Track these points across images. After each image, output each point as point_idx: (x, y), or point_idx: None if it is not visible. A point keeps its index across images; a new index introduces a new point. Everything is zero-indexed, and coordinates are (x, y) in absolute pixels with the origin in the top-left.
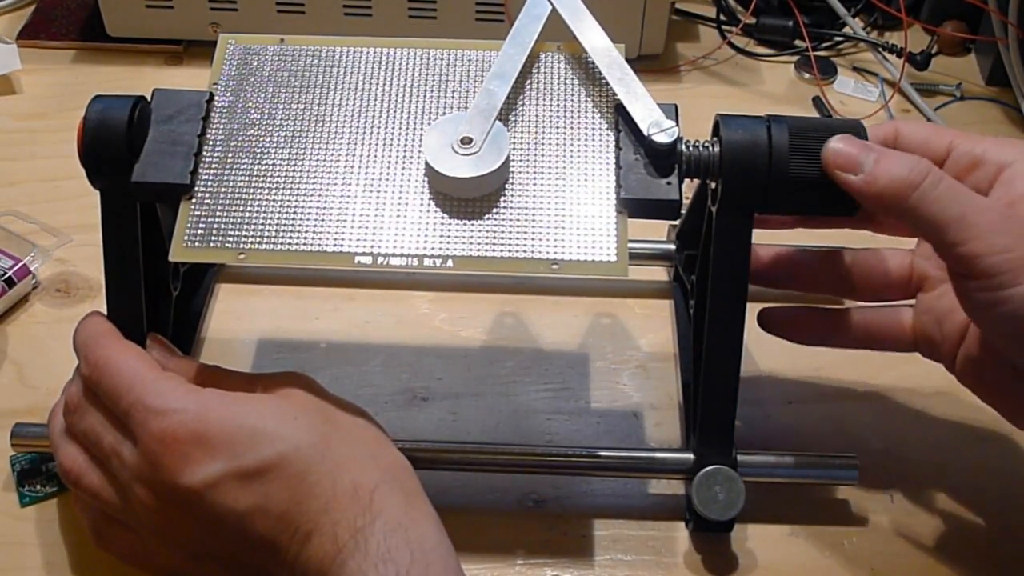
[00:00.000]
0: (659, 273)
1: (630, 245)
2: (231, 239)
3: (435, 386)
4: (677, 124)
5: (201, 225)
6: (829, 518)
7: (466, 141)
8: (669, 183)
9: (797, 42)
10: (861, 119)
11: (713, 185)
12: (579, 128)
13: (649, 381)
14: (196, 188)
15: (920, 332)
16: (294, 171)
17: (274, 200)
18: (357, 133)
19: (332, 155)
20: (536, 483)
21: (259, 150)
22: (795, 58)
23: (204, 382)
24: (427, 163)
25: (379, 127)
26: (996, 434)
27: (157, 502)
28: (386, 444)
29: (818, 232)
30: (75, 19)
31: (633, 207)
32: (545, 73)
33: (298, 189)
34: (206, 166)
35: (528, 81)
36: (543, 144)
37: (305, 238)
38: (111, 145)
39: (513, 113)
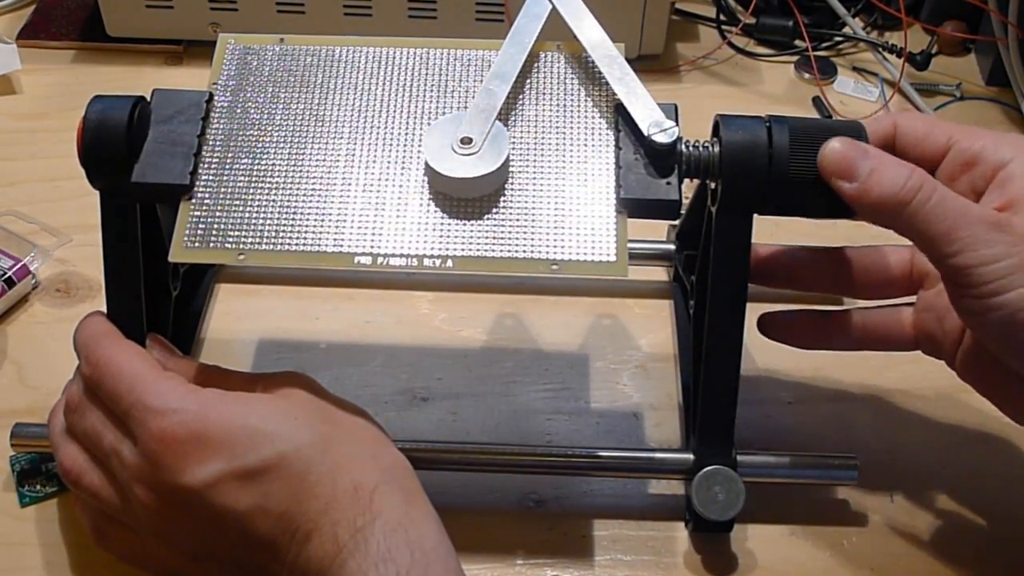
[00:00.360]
0: (659, 273)
1: (630, 245)
2: (231, 240)
3: (435, 386)
4: (677, 124)
5: (201, 226)
6: (829, 518)
7: (466, 141)
8: (669, 183)
9: (797, 42)
10: (861, 119)
11: (713, 185)
12: (579, 128)
13: (649, 381)
14: (196, 188)
15: (921, 329)
16: (293, 171)
17: (273, 200)
18: (357, 133)
19: (331, 155)
20: (536, 483)
21: (258, 150)
22: (795, 58)
23: (204, 382)
24: (427, 163)
25: (379, 127)
26: (996, 434)
27: (157, 502)
28: (386, 444)
29: (819, 233)
30: (75, 19)
31: (633, 207)
32: (545, 73)
33: (297, 189)
34: (205, 166)
35: (528, 81)
36: (543, 144)
37: (305, 238)
38: (111, 145)
39: (513, 113)
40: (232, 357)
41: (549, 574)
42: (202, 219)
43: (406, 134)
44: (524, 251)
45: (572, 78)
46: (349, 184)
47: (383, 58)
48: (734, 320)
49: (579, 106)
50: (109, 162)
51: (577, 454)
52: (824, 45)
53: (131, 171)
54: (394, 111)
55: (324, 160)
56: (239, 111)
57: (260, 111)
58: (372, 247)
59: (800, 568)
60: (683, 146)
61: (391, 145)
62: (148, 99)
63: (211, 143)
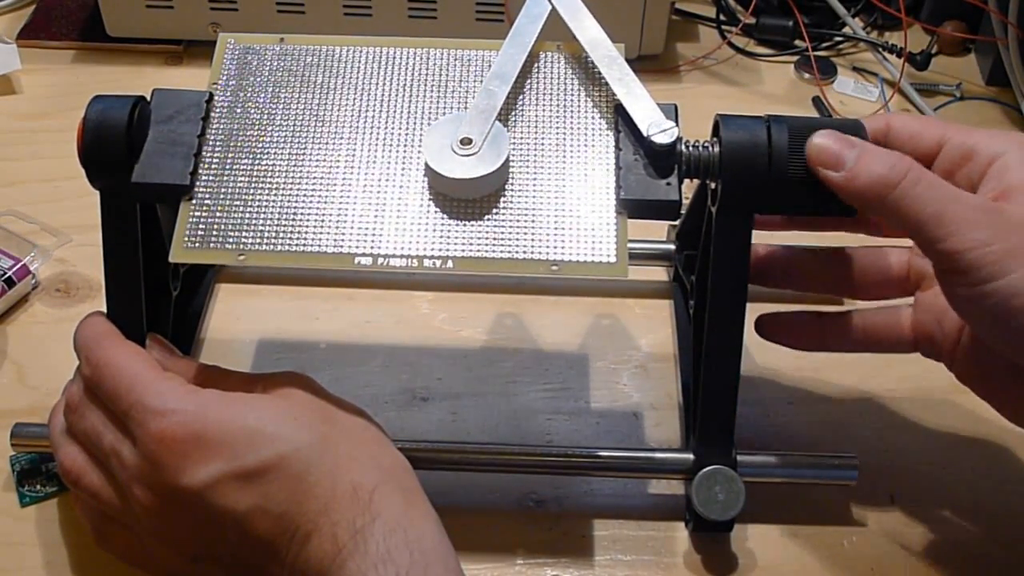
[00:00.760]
0: (659, 273)
1: (630, 245)
2: (231, 240)
3: (435, 386)
4: (677, 124)
5: (201, 226)
6: (829, 518)
7: (466, 142)
8: (669, 184)
9: (797, 42)
10: (861, 119)
11: (713, 185)
12: (579, 128)
13: (649, 381)
14: (196, 189)
15: (920, 331)
16: (294, 171)
17: (274, 201)
18: (357, 133)
19: (332, 155)
20: (536, 483)
21: (259, 150)
22: (795, 58)
23: (204, 382)
24: (427, 164)
25: (379, 127)
26: (996, 434)
27: (156, 502)
28: (386, 444)
29: (816, 233)
30: (75, 19)
31: (633, 208)
32: (545, 73)
33: (298, 189)
34: (206, 166)
35: (528, 81)
36: (543, 144)
37: (305, 239)
38: (111, 145)
39: (513, 113)
40: (232, 357)
41: (549, 574)
42: (202, 219)
43: (406, 134)
44: (524, 252)
45: (572, 78)
46: (349, 185)
47: (383, 58)
48: (734, 320)
49: (579, 107)
50: (109, 162)
51: (577, 454)
52: (824, 45)
53: (131, 171)
54: (394, 111)
55: (324, 160)
56: (239, 111)
57: (260, 111)
58: (372, 248)
59: (800, 568)
60: (683, 146)
61: (391, 146)
62: (148, 99)
63: (211, 143)
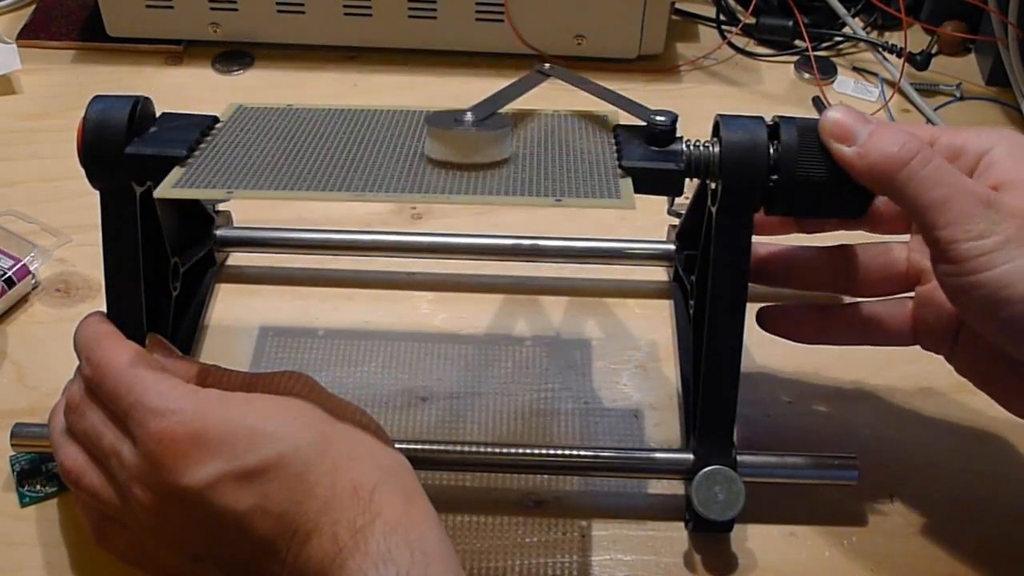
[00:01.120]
0: (659, 273)
1: (630, 245)
2: (220, 181)
3: (435, 386)
4: (675, 126)
5: (192, 172)
6: (829, 518)
7: (467, 116)
8: (670, 158)
9: (797, 42)
10: None
11: (713, 185)
12: (578, 125)
13: (649, 381)
14: (190, 160)
15: (920, 324)
16: (290, 153)
17: (266, 161)
18: (357, 134)
19: (330, 150)
20: (536, 483)
21: (257, 146)
22: (795, 58)
23: (204, 382)
24: (428, 129)
25: (381, 130)
26: (996, 434)
27: (156, 502)
28: (385, 444)
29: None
30: (75, 19)
31: (635, 176)
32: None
33: (293, 160)
34: (202, 149)
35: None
36: (543, 139)
37: (295, 183)
38: (111, 145)
39: (513, 114)
40: (232, 357)
41: (549, 574)
42: (193, 169)
43: (406, 133)
44: (526, 190)
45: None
46: (346, 158)
47: (394, 113)
48: (734, 320)
49: (577, 118)
50: (109, 162)
51: (577, 454)
52: (824, 45)
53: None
54: (398, 125)
55: (321, 152)
56: (242, 130)
57: (263, 128)
58: (366, 187)
59: (800, 568)
60: (683, 146)
61: (391, 138)
62: (148, 99)
63: (210, 142)
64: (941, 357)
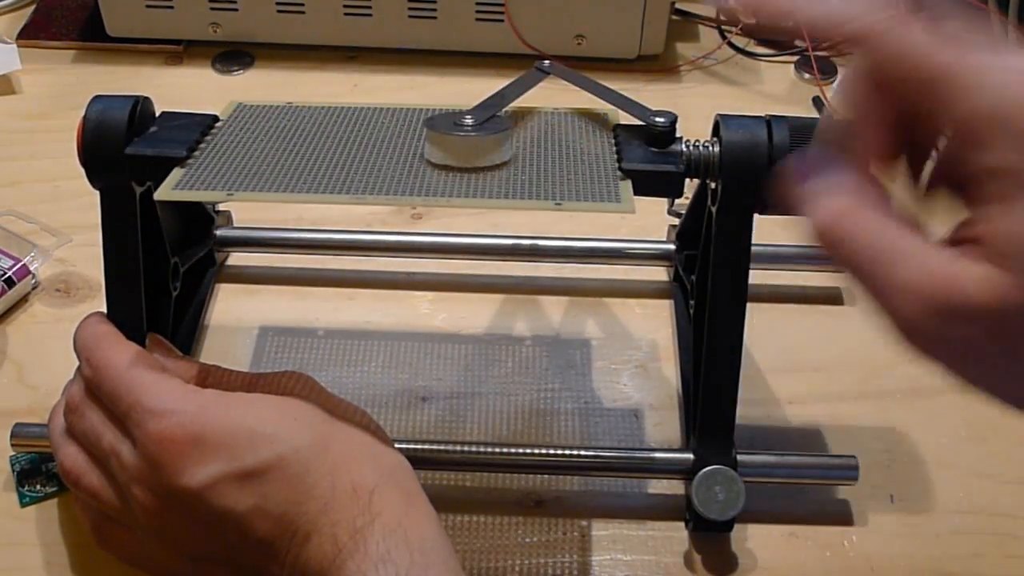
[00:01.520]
0: (659, 273)
1: (630, 245)
2: (221, 184)
3: (435, 386)
4: (674, 128)
5: (192, 174)
6: (829, 518)
7: (467, 119)
8: (670, 159)
9: (797, 42)
10: None
11: (713, 185)
12: (578, 124)
13: (649, 381)
14: (190, 160)
15: None
16: (289, 152)
17: (267, 162)
18: (358, 134)
19: (331, 151)
20: (536, 483)
21: (256, 144)
22: (795, 58)
23: (204, 382)
24: (427, 133)
25: (381, 131)
26: (996, 434)
27: (156, 503)
28: (385, 444)
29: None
30: (75, 19)
31: (635, 178)
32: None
33: (292, 158)
34: (202, 149)
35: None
36: (544, 139)
37: (295, 185)
38: (111, 145)
39: (512, 115)
40: (232, 357)
41: (549, 574)
42: (193, 171)
43: (407, 134)
44: (526, 193)
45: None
46: (346, 157)
47: (394, 112)
48: (734, 320)
49: (577, 117)
50: (109, 162)
51: (577, 454)
52: (824, 45)
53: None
54: (398, 125)
55: (321, 151)
56: (240, 128)
57: (263, 127)
58: (364, 190)
59: (800, 568)
60: (683, 146)
61: (391, 137)
62: (148, 99)
63: (210, 142)
64: None
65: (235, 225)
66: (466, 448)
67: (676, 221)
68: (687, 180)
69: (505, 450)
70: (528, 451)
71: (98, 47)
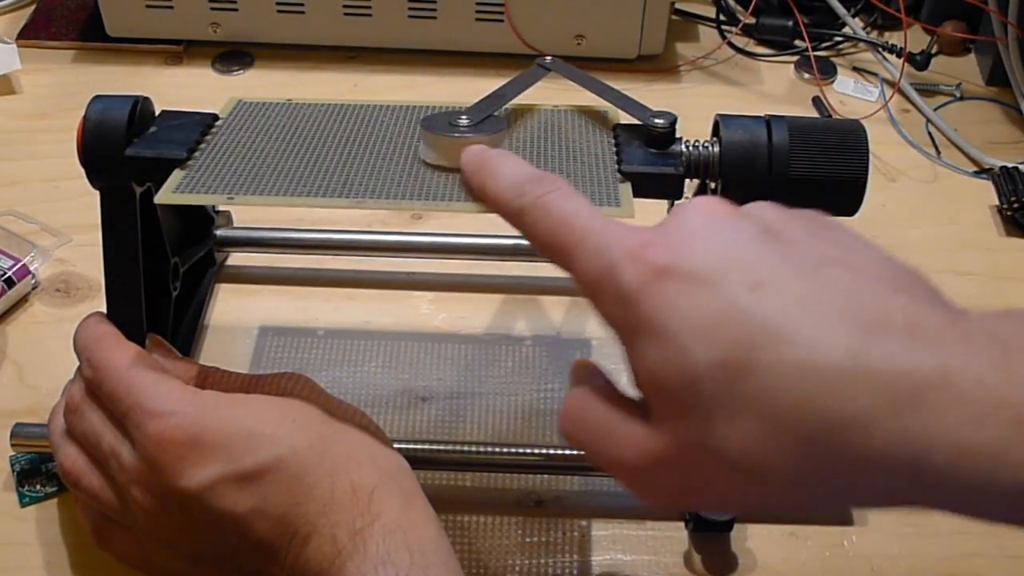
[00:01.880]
0: None
1: None
2: (221, 187)
3: (435, 386)
4: (674, 128)
5: (192, 176)
6: (829, 518)
7: (462, 119)
8: (670, 161)
9: (797, 42)
10: (861, 119)
11: (713, 185)
12: (578, 125)
13: None
14: (190, 162)
15: None
16: (288, 154)
17: (267, 164)
18: (357, 135)
19: (331, 152)
20: (536, 483)
21: (256, 144)
22: (795, 58)
23: (203, 384)
24: (423, 134)
25: (379, 130)
26: None
27: (155, 505)
28: (384, 445)
29: None
30: (75, 19)
31: (634, 181)
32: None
33: (292, 160)
34: (202, 150)
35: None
36: (542, 140)
37: (294, 188)
38: (111, 145)
39: (512, 116)
40: (232, 357)
41: (549, 574)
42: (193, 173)
43: (407, 133)
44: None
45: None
46: (343, 157)
47: (393, 109)
48: None
49: (577, 115)
50: (109, 162)
51: (577, 454)
52: (824, 45)
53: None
54: (395, 122)
55: (319, 149)
56: (240, 127)
57: (263, 127)
58: (363, 194)
59: (800, 568)
60: (683, 146)
61: (389, 136)
62: (148, 99)
63: (211, 141)
64: None
65: (235, 225)
66: (466, 448)
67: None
68: (687, 180)
69: (505, 450)
70: (528, 451)
71: (98, 47)
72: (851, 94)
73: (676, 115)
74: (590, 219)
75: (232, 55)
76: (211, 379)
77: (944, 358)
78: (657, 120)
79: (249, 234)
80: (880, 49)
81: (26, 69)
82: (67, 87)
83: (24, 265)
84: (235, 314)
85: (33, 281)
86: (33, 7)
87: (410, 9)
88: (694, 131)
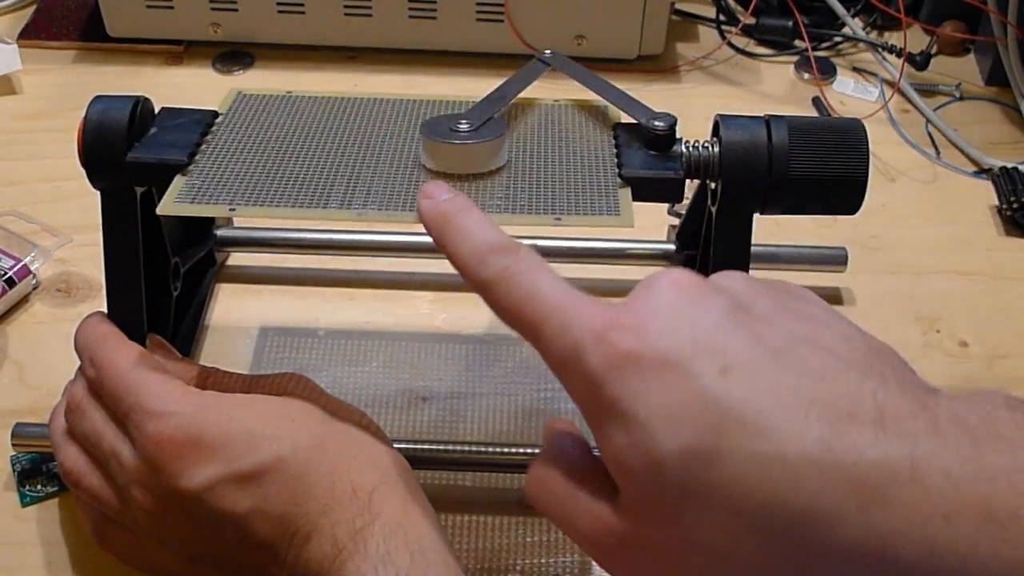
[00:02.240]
0: None
1: (630, 245)
2: (222, 198)
3: (435, 386)
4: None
5: (194, 186)
6: None
7: (463, 124)
8: (670, 165)
9: (797, 42)
10: (861, 119)
11: (713, 185)
12: (578, 125)
13: None
14: (192, 167)
15: None
16: (290, 158)
17: (269, 172)
18: (357, 135)
19: (328, 148)
20: None
21: (257, 145)
22: (795, 58)
23: (203, 384)
24: (422, 139)
25: (379, 130)
26: None
27: (155, 505)
28: (384, 445)
29: (819, 232)
30: (75, 19)
31: (634, 185)
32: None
33: (293, 167)
34: (203, 152)
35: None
36: (542, 139)
37: (296, 200)
38: (111, 145)
39: (511, 116)
40: (232, 357)
41: (549, 574)
42: (195, 183)
43: (405, 129)
44: (526, 208)
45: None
46: (344, 163)
47: (393, 104)
48: None
49: (577, 111)
50: (109, 162)
51: None
52: (824, 45)
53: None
54: (396, 124)
55: (320, 152)
56: (241, 126)
57: (263, 125)
58: (364, 205)
59: None
60: (683, 146)
61: (389, 137)
62: (149, 99)
63: (211, 142)
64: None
65: (235, 225)
66: (466, 448)
67: (676, 221)
68: (687, 180)
69: (505, 450)
70: (528, 451)
71: (98, 47)
72: (851, 94)
73: (676, 117)
74: (555, 294)
75: (232, 55)
76: (211, 379)
77: (911, 449)
78: (657, 122)
79: (250, 234)
80: (880, 49)
81: (27, 69)
82: (68, 87)
83: (25, 265)
84: (235, 314)
85: (34, 281)
86: (34, 7)
87: (410, 9)
88: (694, 131)
